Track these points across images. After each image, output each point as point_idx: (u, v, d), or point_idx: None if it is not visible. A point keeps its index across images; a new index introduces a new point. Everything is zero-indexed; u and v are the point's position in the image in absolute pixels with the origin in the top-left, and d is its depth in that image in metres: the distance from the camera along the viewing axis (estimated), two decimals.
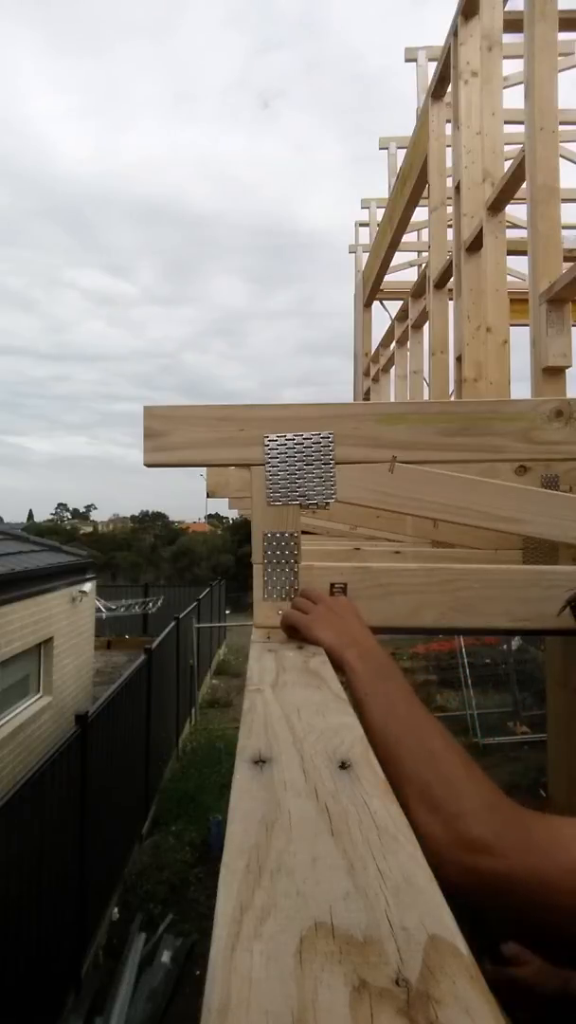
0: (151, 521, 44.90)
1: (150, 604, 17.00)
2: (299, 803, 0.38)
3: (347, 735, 0.49)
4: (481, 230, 2.76)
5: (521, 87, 2.31)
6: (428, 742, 0.60)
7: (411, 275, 6.65)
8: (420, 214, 4.92)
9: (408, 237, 5.70)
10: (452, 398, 3.21)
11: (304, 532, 1.04)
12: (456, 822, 0.51)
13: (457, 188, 3.01)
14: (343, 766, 0.43)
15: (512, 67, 3.36)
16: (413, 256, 6.76)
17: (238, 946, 0.26)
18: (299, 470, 0.96)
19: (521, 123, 2.43)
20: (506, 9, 2.82)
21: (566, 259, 2.10)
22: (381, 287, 6.67)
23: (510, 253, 2.85)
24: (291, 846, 0.33)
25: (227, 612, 18.31)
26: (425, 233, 5.27)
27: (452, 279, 3.20)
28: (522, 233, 2.78)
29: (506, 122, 2.93)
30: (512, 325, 2.85)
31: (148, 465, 0.97)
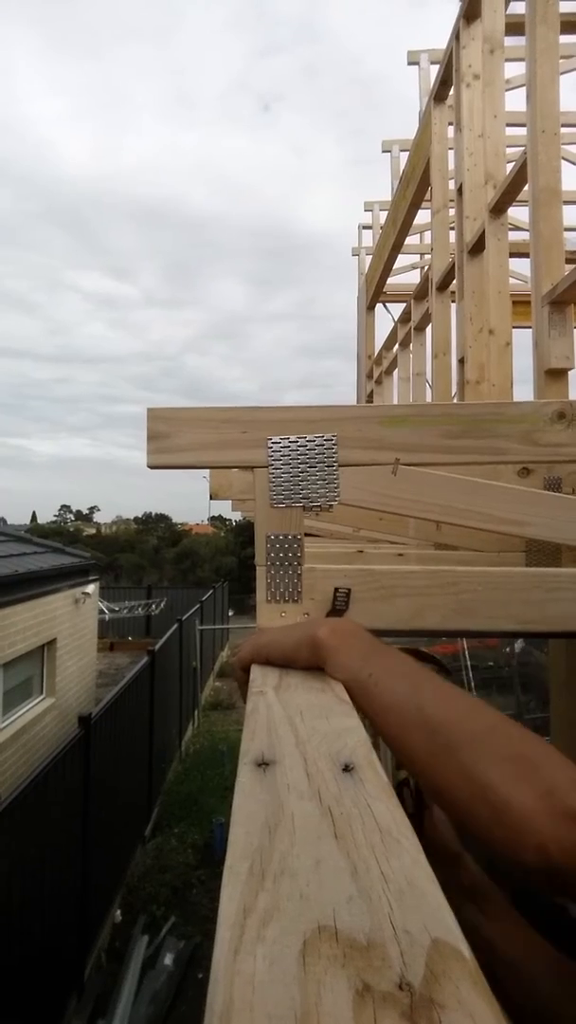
0: (154, 523, 44.97)
1: (153, 606, 17.02)
2: (302, 806, 0.38)
3: (350, 738, 0.49)
4: (483, 232, 2.76)
5: (523, 90, 2.32)
6: (482, 716, 0.52)
7: (414, 277, 6.66)
8: (423, 216, 4.93)
9: (411, 239, 5.71)
10: (455, 400, 3.21)
11: (307, 534, 1.04)
12: (553, 796, 0.44)
13: (459, 190, 3.01)
14: (346, 769, 0.43)
15: (514, 70, 3.37)
16: (416, 258, 6.77)
17: (241, 949, 0.26)
18: (302, 472, 0.96)
19: (523, 126, 2.43)
20: (508, 12, 2.83)
21: (568, 261, 2.10)
22: (384, 289, 6.67)
23: (512, 255, 2.85)
24: (294, 849, 0.33)
25: (230, 614, 18.31)
26: (428, 235, 5.27)
27: (454, 281, 3.20)
28: (524, 235, 2.78)
29: (508, 125, 2.93)
30: (514, 327, 2.85)
31: (152, 467, 0.97)
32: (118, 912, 5.15)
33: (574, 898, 0.45)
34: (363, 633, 0.66)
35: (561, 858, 0.42)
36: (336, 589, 0.99)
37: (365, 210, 7.55)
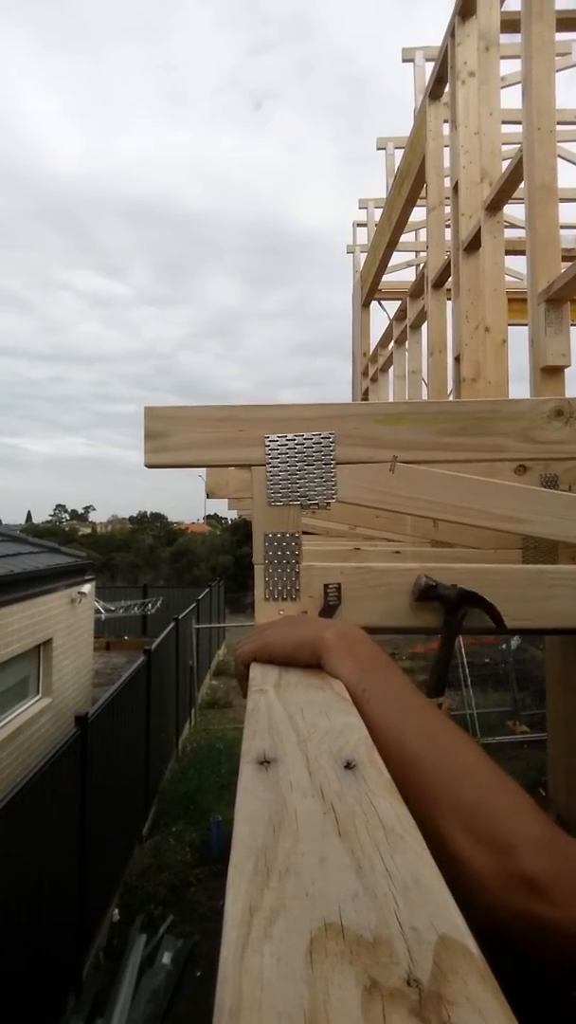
0: (150, 522, 44.83)
1: (149, 605, 16.99)
2: (305, 803, 0.38)
3: (351, 735, 0.49)
4: (479, 230, 2.76)
5: (519, 87, 2.32)
6: (459, 757, 0.50)
7: (409, 275, 6.66)
8: (418, 213, 4.93)
9: (406, 237, 5.71)
10: (451, 398, 3.21)
11: (304, 532, 1.04)
12: (507, 857, 0.42)
13: (455, 188, 3.01)
14: (348, 766, 0.43)
15: (509, 67, 3.37)
16: (411, 256, 6.77)
17: (248, 947, 0.26)
18: (300, 470, 0.96)
19: (519, 123, 2.43)
20: (503, 9, 2.83)
21: (564, 259, 2.11)
22: (379, 287, 6.67)
23: (508, 252, 2.85)
24: (299, 847, 0.33)
25: (227, 612, 18.30)
26: (423, 233, 5.27)
27: (450, 279, 3.20)
28: (520, 232, 2.79)
29: (504, 122, 2.94)
30: (510, 324, 2.86)
31: (149, 466, 0.97)
32: (116, 911, 5.14)
33: (522, 957, 0.43)
34: (368, 643, 0.65)
35: (509, 922, 0.40)
36: (326, 585, 0.98)
37: (360, 207, 7.54)
